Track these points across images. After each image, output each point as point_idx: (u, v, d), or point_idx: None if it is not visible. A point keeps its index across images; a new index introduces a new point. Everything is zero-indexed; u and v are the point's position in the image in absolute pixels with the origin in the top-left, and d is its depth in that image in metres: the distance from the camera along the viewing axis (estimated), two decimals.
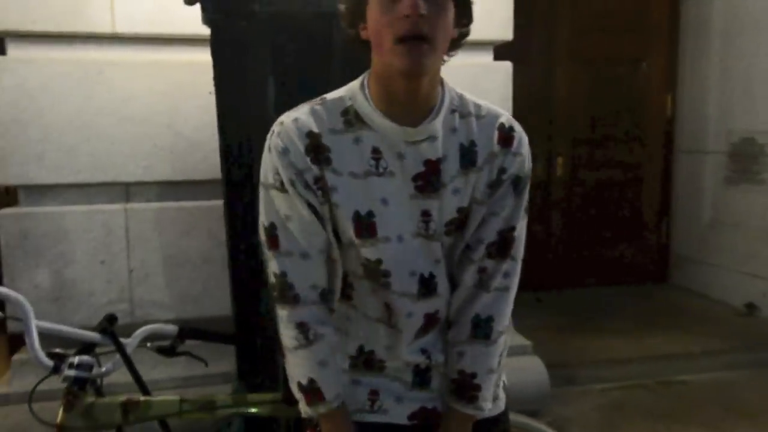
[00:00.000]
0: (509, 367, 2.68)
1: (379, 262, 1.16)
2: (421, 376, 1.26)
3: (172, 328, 1.64)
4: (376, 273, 1.18)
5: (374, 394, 1.24)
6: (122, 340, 1.56)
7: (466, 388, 1.21)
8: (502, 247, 1.19)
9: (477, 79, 2.72)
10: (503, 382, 1.37)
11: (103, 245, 2.47)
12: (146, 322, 2.14)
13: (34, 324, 1.45)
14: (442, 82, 1.18)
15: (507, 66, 2.78)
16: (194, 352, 1.71)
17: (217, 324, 2.01)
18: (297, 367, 1.20)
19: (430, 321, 1.23)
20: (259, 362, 1.87)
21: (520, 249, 1.22)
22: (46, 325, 1.51)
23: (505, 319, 1.23)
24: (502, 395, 1.33)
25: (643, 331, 3.74)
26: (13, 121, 2.35)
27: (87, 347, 1.54)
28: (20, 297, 1.44)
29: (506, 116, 1.20)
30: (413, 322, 1.21)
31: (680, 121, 4.63)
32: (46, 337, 1.48)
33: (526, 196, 1.21)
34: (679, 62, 4.59)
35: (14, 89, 2.34)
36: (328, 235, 1.16)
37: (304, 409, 1.27)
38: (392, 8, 1.05)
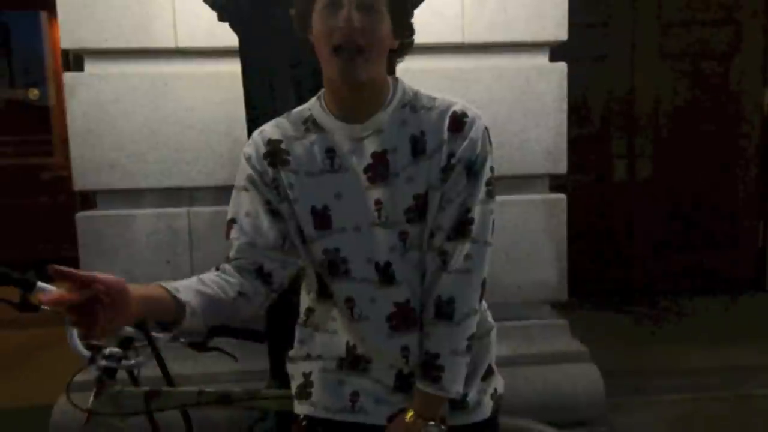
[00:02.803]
0: (562, 374, 2.64)
1: (336, 250, 1.25)
2: (402, 381, 1.29)
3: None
4: (336, 262, 1.26)
5: (355, 395, 1.29)
6: (154, 334, 1.68)
7: (429, 368, 1.24)
8: (459, 228, 1.23)
9: (530, 82, 2.67)
10: (495, 389, 1.36)
11: (169, 246, 2.64)
12: None
13: None
14: (397, 80, 1.28)
15: (562, 67, 2.71)
16: (227, 349, 1.82)
17: None
18: None
19: (405, 312, 1.26)
20: None
21: (484, 232, 1.24)
22: None
23: (469, 302, 1.24)
24: (486, 401, 1.33)
25: (728, 341, 3.54)
26: (89, 131, 2.57)
27: (125, 340, 1.68)
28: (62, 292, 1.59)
29: (461, 105, 1.26)
30: (380, 309, 1.26)
31: None
32: None
33: (483, 178, 1.24)
34: None
35: (90, 102, 2.56)
36: (289, 231, 1.27)
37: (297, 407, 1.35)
38: (331, 19, 1.16)
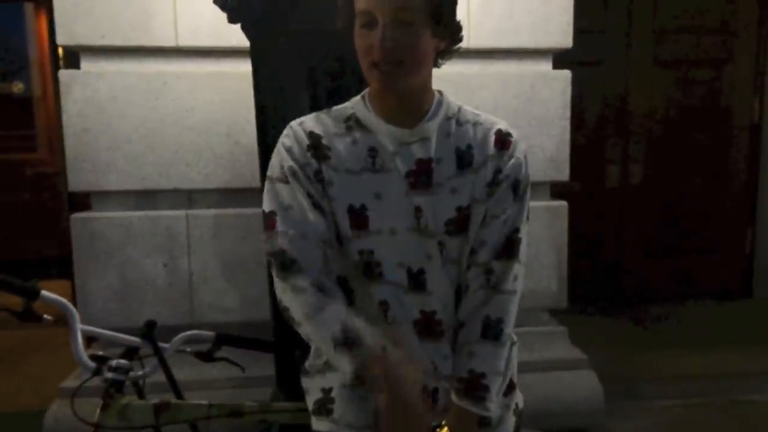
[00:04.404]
0: (562, 381, 2.63)
1: (371, 252, 1.23)
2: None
3: (209, 335, 1.70)
4: (369, 264, 1.23)
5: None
6: (161, 344, 1.63)
7: (475, 388, 1.23)
8: (508, 248, 1.24)
9: (535, 89, 2.66)
10: (516, 404, 1.34)
11: (166, 249, 2.59)
12: (205, 324, 2.24)
13: (79, 328, 1.55)
14: (441, 94, 1.28)
15: (566, 74, 2.70)
16: (233, 357, 1.78)
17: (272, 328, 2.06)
18: (324, 327, 1.17)
19: (429, 321, 1.25)
20: (297, 371, 1.91)
21: (525, 253, 1.26)
22: (91, 329, 1.61)
23: (512, 322, 1.26)
24: (509, 417, 1.31)
25: (718, 347, 3.57)
26: (84, 130, 2.50)
27: (129, 351, 1.63)
28: (66, 302, 1.54)
29: (504, 124, 1.27)
30: (408, 313, 1.25)
31: None
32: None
33: (527, 200, 1.26)
34: None
35: (86, 101, 2.49)
36: (329, 225, 1.23)
37: (316, 423, 1.30)
38: (367, 36, 1.15)
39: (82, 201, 2.74)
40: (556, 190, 2.85)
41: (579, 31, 2.94)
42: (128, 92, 2.51)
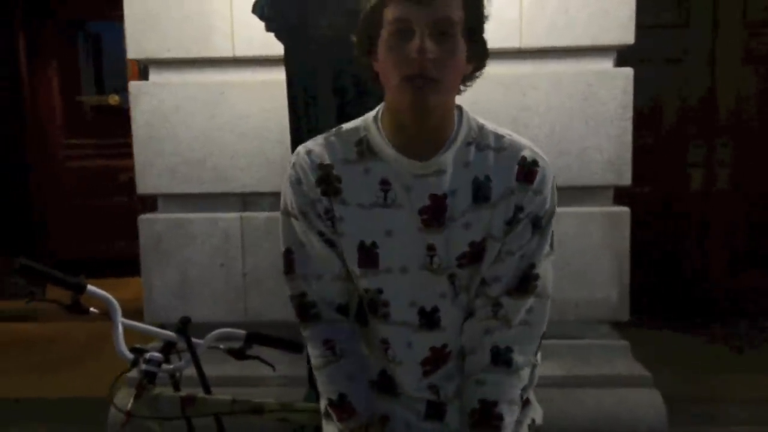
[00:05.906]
0: (620, 399, 2.50)
1: (379, 291, 1.18)
2: (434, 409, 1.25)
3: (240, 333, 1.75)
4: (375, 303, 1.19)
5: (385, 418, 1.25)
6: (194, 340, 1.70)
7: (488, 417, 1.16)
8: (522, 285, 1.15)
9: (592, 88, 2.55)
10: (532, 420, 1.29)
11: (222, 250, 2.70)
12: (258, 323, 2.31)
13: (120, 321, 1.64)
14: (461, 111, 1.16)
15: (627, 72, 2.57)
16: (271, 355, 1.82)
17: None
18: (327, 384, 1.24)
19: (438, 355, 1.21)
20: None
21: (547, 287, 1.17)
22: (131, 323, 1.70)
23: (527, 352, 1.18)
24: None
25: None
26: (151, 138, 2.66)
27: (167, 345, 1.71)
28: (109, 296, 1.64)
29: (530, 149, 1.15)
30: (415, 354, 1.20)
31: None
32: None
33: (549, 233, 1.16)
34: None
35: (152, 111, 2.65)
36: (343, 260, 1.20)
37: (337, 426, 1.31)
38: (401, 47, 1.04)
39: (153, 203, 2.92)
40: (618, 195, 2.72)
41: (657, 26, 2.80)
42: (189, 102, 2.64)
